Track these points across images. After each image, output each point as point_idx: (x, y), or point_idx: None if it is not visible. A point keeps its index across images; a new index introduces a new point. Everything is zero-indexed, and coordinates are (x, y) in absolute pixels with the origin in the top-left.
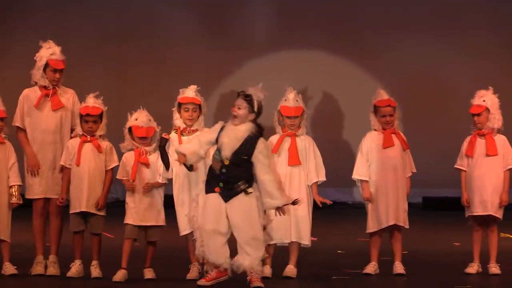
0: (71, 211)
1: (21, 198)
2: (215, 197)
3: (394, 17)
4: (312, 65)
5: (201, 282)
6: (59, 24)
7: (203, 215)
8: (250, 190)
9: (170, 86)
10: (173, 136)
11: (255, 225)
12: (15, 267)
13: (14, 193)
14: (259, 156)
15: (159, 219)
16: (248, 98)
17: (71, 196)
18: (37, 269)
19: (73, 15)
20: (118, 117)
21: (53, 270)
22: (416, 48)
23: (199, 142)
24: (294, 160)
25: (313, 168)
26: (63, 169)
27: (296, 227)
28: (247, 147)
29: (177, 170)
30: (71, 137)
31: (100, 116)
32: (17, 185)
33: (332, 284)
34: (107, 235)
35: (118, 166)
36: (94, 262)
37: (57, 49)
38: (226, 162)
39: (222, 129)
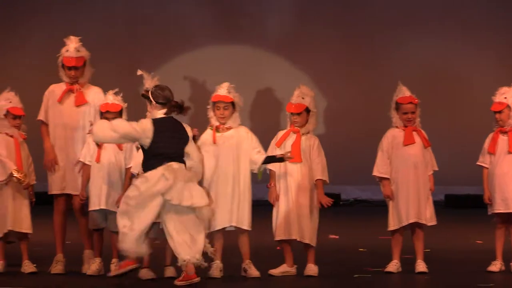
0: (90, 208)
1: (34, 196)
2: None
3: (408, 13)
4: (330, 62)
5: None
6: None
7: None
8: None
9: (187, 82)
10: (208, 133)
11: None
12: (35, 265)
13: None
14: None
15: None
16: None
17: (91, 193)
18: (57, 267)
19: (85, 12)
20: (137, 114)
21: (93, 267)
22: (432, 44)
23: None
24: (296, 157)
25: (316, 167)
26: (82, 165)
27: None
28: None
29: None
30: (88, 133)
31: (120, 113)
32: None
33: (353, 283)
34: None
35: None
36: (114, 260)
37: (72, 46)
38: None
39: None
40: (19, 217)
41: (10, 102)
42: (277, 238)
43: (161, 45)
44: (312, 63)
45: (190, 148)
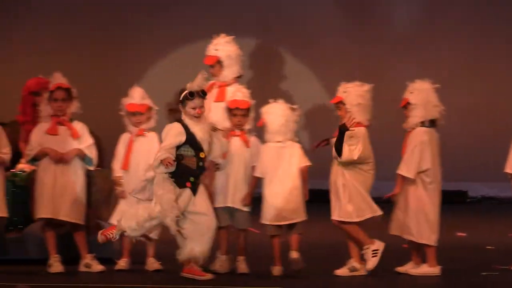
0: (216, 206)
1: None
2: (186, 193)
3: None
4: (460, 58)
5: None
6: None
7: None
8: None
9: (313, 80)
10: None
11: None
12: (160, 262)
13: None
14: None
15: None
16: (205, 96)
17: (217, 190)
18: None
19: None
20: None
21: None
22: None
23: (168, 151)
24: None
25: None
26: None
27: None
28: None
29: None
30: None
31: (249, 109)
32: None
33: (481, 280)
34: (253, 231)
35: None
36: (240, 258)
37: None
38: (203, 155)
39: (186, 127)
40: None
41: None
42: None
43: (288, 41)
44: (438, 59)
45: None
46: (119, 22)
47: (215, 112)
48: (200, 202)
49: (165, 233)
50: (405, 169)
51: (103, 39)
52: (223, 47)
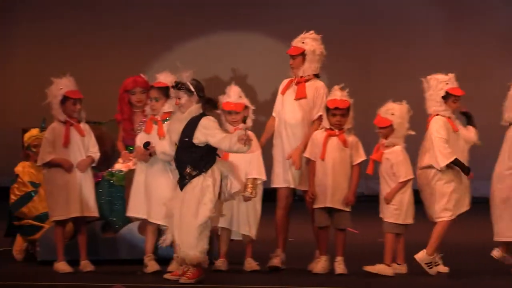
0: (316, 206)
1: (255, 193)
2: (178, 190)
3: None
4: None
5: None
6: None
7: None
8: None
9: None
10: None
11: (200, 214)
12: (257, 263)
13: (248, 185)
14: (204, 131)
15: None
16: (180, 87)
17: (316, 190)
18: (274, 261)
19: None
20: (364, 109)
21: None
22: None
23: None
24: None
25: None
26: (308, 162)
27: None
28: (189, 128)
29: None
30: None
31: (348, 109)
32: (252, 178)
33: None
34: (352, 231)
35: (364, 161)
36: (339, 258)
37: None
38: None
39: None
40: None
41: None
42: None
43: (389, 41)
44: None
45: None
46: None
47: (292, 109)
48: (186, 198)
49: (262, 233)
50: None
51: None
52: (310, 42)
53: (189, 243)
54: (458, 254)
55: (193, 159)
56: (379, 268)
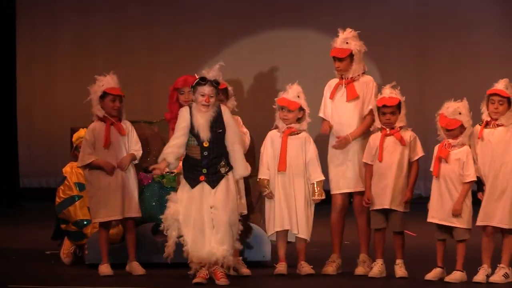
0: (372, 208)
1: (323, 194)
2: (199, 189)
3: None
4: None
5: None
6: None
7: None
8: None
9: (473, 75)
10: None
11: (235, 210)
12: (312, 266)
13: (315, 189)
14: (229, 122)
15: None
16: (216, 85)
17: (372, 191)
18: (329, 269)
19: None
20: (417, 106)
21: (362, 269)
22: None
23: (177, 146)
24: None
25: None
26: (365, 166)
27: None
28: (217, 119)
29: None
30: None
31: (398, 106)
32: (317, 180)
33: None
34: (409, 233)
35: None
36: (399, 261)
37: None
38: (206, 144)
39: (191, 114)
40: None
41: None
42: None
43: (447, 34)
44: None
45: None
46: None
47: (346, 111)
48: (219, 195)
49: (315, 236)
50: None
51: None
52: (353, 42)
53: (228, 242)
54: None
55: (225, 150)
56: (455, 277)
